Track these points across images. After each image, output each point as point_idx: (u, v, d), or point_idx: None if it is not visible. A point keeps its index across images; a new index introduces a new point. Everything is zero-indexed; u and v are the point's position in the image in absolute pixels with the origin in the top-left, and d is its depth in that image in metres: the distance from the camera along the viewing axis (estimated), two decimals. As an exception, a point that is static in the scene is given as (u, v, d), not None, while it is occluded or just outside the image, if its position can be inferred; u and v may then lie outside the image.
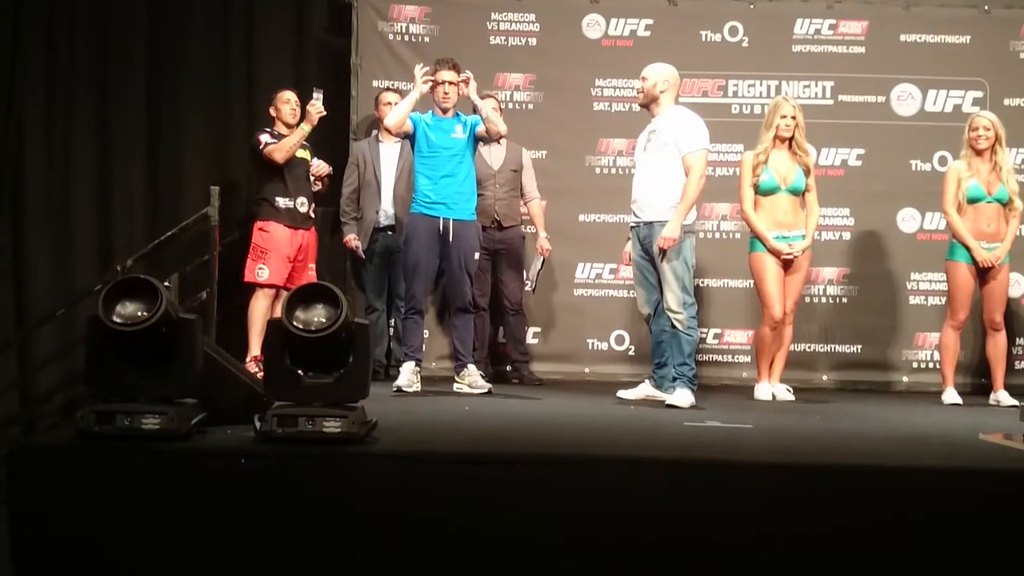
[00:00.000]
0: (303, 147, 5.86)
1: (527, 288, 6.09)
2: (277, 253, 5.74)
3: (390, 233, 6.03)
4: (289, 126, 5.84)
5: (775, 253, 5.39)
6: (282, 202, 5.76)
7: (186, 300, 5.66)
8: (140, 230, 6.22)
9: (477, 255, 5.43)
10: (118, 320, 3.16)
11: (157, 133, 6.31)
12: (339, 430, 3.18)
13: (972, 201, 5.45)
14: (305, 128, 5.73)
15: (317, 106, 5.70)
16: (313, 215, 5.94)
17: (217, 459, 3.12)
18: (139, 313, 3.16)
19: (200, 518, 3.02)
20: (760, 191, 5.44)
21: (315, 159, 5.95)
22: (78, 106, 6.18)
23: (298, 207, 5.80)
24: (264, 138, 5.76)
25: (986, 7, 6.42)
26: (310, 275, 5.83)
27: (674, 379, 4.96)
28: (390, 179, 6.05)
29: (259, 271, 5.74)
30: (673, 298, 4.95)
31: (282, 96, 5.89)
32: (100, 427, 3.14)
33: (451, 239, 5.27)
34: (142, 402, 3.18)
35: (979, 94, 6.37)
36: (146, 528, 3.01)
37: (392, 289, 6.11)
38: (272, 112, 5.89)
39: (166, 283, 4.44)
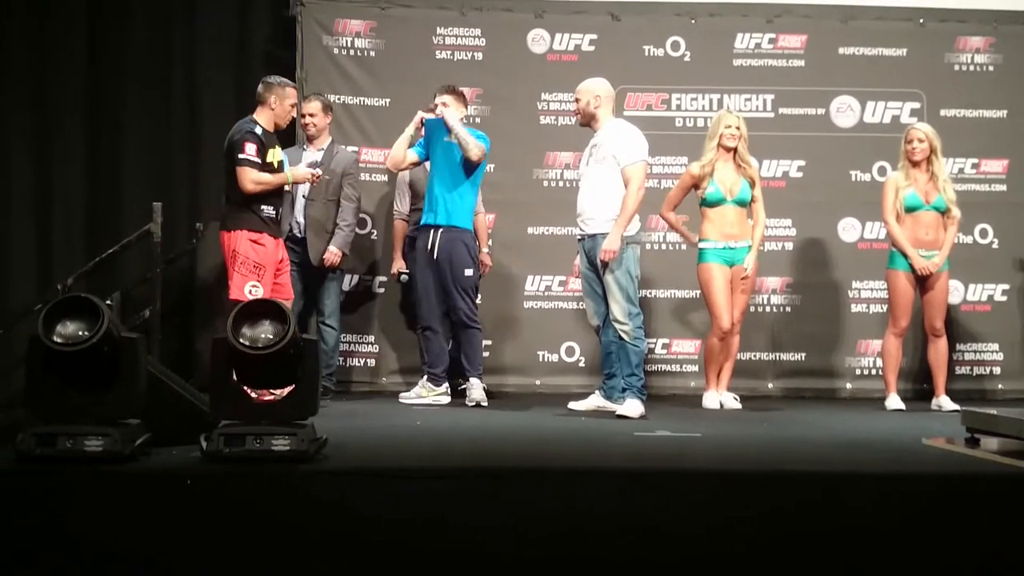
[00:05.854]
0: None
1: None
2: (270, 268, 5.10)
3: (297, 250, 5.65)
4: (277, 128, 5.20)
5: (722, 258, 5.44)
6: (267, 211, 5.10)
7: (129, 318, 5.56)
8: (80, 247, 6.10)
9: None
10: (59, 340, 3.10)
11: (97, 147, 6.19)
12: (288, 448, 3.14)
13: (910, 210, 5.56)
14: (288, 178, 5.17)
15: (317, 173, 5.32)
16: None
17: (163, 481, 3.06)
18: (80, 333, 3.11)
19: (146, 542, 2.95)
20: (706, 203, 5.50)
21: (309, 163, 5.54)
22: (14, 117, 6.04)
23: (279, 217, 5.23)
24: (249, 149, 4.98)
25: (921, 20, 6.56)
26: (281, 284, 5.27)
27: (624, 390, 4.99)
28: (305, 190, 5.68)
29: (252, 289, 4.95)
30: (618, 309, 4.98)
31: (291, 93, 5.16)
32: (42, 450, 3.09)
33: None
34: (84, 423, 3.12)
35: (916, 105, 6.51)
36: (90, 553, 2.94)
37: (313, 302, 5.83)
38: (272, 103, 5.07)
39: (108, 301, 4.33)
